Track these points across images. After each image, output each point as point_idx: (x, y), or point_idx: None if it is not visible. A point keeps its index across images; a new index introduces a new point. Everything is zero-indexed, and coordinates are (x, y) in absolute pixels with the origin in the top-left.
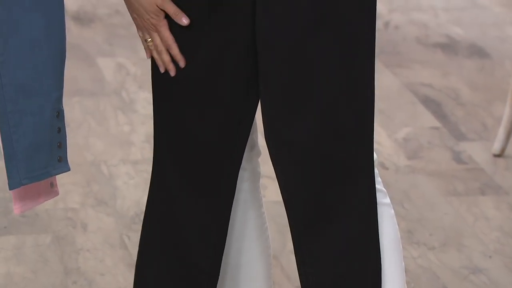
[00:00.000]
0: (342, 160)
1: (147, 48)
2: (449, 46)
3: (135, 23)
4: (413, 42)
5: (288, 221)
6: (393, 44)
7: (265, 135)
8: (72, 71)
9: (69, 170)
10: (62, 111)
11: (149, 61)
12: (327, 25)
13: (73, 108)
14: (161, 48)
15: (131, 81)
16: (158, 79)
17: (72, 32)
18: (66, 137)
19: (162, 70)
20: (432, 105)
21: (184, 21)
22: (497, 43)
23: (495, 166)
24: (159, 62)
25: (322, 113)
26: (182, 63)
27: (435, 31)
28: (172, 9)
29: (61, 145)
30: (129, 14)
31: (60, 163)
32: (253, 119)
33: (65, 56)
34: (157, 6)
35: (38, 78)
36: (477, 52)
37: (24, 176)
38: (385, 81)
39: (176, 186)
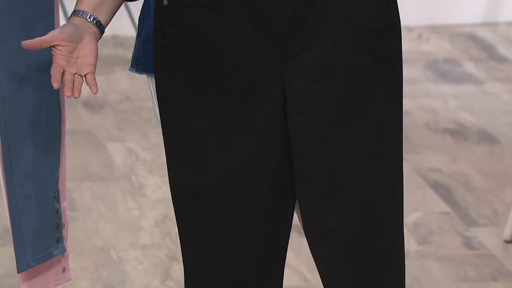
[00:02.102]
0: (380, 247)
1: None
2: (459, 132)
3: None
4: (423, 128)
5: None
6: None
7: (303, 226)
8: (83, 156)
9: (65, 250)
10: (59, 191)
11: (158, 146)
12: (357, 115)
13: (83, 193)
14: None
15: (140, 166)
16: (182, 189)
17: (83, 118)
18: (62, 218)
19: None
20: (441, 190)
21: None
22: (506, 130)
23: (506, 252)
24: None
25: (360, 201)
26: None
27: (445, 117)
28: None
29: (59, 226)
30: (139, 99)
31: (58, 244)
32: (293, 215)
33: (61, 138)
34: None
35: (41, 161)
36: (487, 138)
37: (32, 259)
38: None
39: None
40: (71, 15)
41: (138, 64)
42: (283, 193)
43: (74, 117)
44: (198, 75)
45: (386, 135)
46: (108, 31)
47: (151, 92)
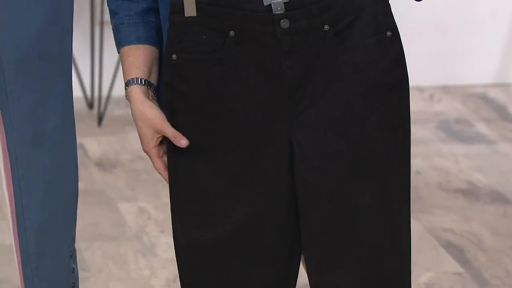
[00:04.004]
0: None
1: None
2: (471, 192)
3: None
4: (435, 188)
5: None
6: (414, 189)
7: (309, 281)
8: (94, 216)
9: None
10: (75, 250)
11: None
12: (366, 170)
13: (94, 253)
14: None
15: (152, 225)
16: (188, 245)
17: (95, 177)
18: (78, 277)
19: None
20: (454, 250)
21: (183, 142)
22: None
23: None
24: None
25: (368, 257)
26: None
27: (457, 177)
28: (171, 132)
29: (75, 285)
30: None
31: None
32: (299, 270)
33: (78, 195)
34: (157, 129)
35: (56, 219)
36: (499, 198)
37: None
38: None
39: None
40: (128, 84)
41: None
42: (290, 247)
43: (86, 177)
44: (205, 129)
45: (394, 191)
46: (119, 91)
47: None
